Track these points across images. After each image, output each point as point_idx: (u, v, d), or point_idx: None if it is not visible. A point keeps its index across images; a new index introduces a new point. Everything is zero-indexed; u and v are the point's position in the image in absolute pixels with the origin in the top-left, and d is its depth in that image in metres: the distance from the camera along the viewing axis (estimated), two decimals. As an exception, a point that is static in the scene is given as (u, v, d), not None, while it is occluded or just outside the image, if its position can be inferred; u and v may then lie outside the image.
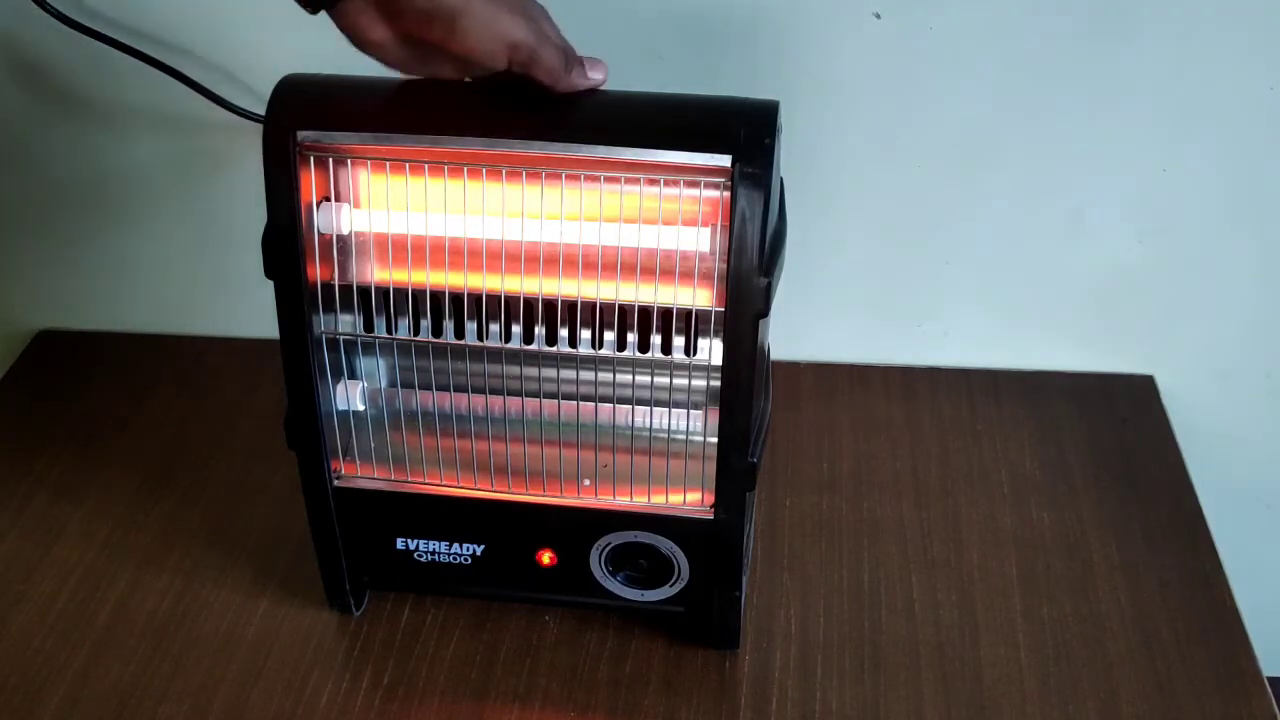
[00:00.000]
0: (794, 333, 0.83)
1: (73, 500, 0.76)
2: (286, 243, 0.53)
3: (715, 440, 0.55)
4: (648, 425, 0.57)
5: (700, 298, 0.53)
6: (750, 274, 0.50)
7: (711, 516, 0.57)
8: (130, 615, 0.68)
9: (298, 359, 0.56)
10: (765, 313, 0.51)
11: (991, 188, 0.73)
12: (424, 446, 0.59)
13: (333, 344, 0.56)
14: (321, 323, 0.55)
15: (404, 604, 0.68)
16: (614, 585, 0.61)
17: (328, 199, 0.53)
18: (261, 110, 0.53)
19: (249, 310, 0.84)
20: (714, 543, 0.58)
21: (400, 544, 0.62)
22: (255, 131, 0.69)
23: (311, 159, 0.52)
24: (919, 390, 0.82)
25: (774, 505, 0.73)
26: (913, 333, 0.83)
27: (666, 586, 0.61)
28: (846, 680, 0.63)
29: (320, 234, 0.53)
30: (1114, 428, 0.79)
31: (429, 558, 0.62)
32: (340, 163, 0.53)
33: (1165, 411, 0.80)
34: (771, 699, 0.62)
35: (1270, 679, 0.63)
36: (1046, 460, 0.76)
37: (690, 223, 0.51)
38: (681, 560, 0.59)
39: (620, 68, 0.69)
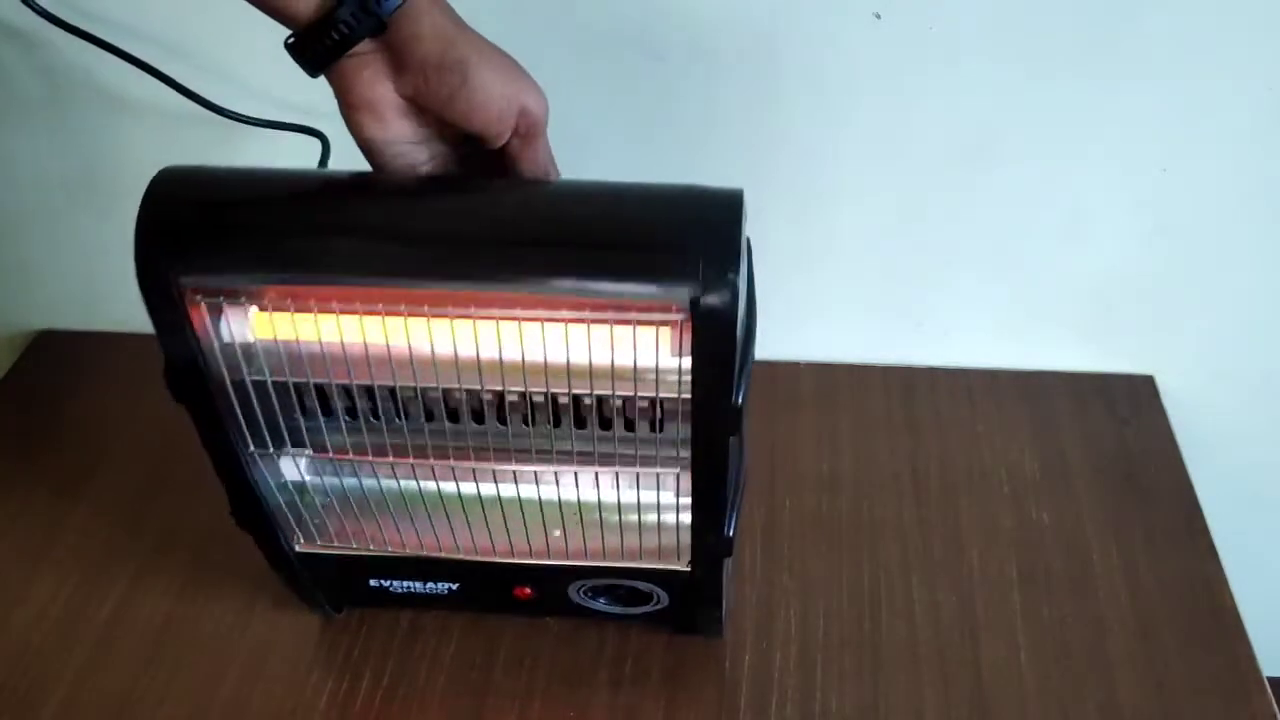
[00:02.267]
0: (794, 333, 0.83)
1: (73, 500, 0.76)
2: (190, 374, 0.49)
3: (688, 509, 0.52)
4: (615, 499, 0.53)
5: (666, 390, 0.47)
6: (718, 401, 0.45)
7: (689, 570, 0.56)
8: (130, 616, 0.68)
9: (228, 470, 0.53)
10: (736, 431, 0.47)
11: (991, 187, 0.72)
12: (379, 520, 0.56)
13: (264, 455, 0.53)
14: (249, 441, 0.51)
15: (404, 604, 0.68)
16: (596, 605, 0.61)
17: (230, 312, 0.48)
18: (256, 112, 0.52)
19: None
20: (692, 589, 0.58)
21: (374, 583, 0.61)
22: (252, 131, 0.69)
23: (201, 302, 0.46)
24: (919, 390, 0.82)
25: (774, 505, 0.73)
26: (913, 333, 0.83)
27: (649, 605, 0.60)
28: (846, 680, 0.63)
29: (226, 357, 0.48)
30: (1114, 428, 0.79)
31: (405, 589, 0.62)
32: (234, 301, 0.47)
33: (1165, 411, 0.80)
34: (771, 699, 0.62)
35: (1270, 679, 0.63)
36: (1046, 460, 0.76)
37: (649, 352, 0.45)
38: (660, 593, 0.59)
39: (619, 69, 0.69)
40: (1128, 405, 0.80)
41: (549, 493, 0.53)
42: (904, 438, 0.78)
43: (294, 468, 0.55)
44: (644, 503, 0.53)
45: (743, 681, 0.63)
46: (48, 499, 0.76)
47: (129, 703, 0.63)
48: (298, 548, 0.58)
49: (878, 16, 0.64)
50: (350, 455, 0.52)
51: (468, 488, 0.54)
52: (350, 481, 0.55)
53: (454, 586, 0.60)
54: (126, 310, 0.89)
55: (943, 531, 0.71)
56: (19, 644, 0.66)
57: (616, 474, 0.51)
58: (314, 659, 0.65)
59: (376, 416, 0.51)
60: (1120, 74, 0.66)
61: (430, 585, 0.61)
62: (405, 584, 0.61)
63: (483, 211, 0.45)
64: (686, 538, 0.53)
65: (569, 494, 0.53)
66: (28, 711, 0.62)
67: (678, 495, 0.53)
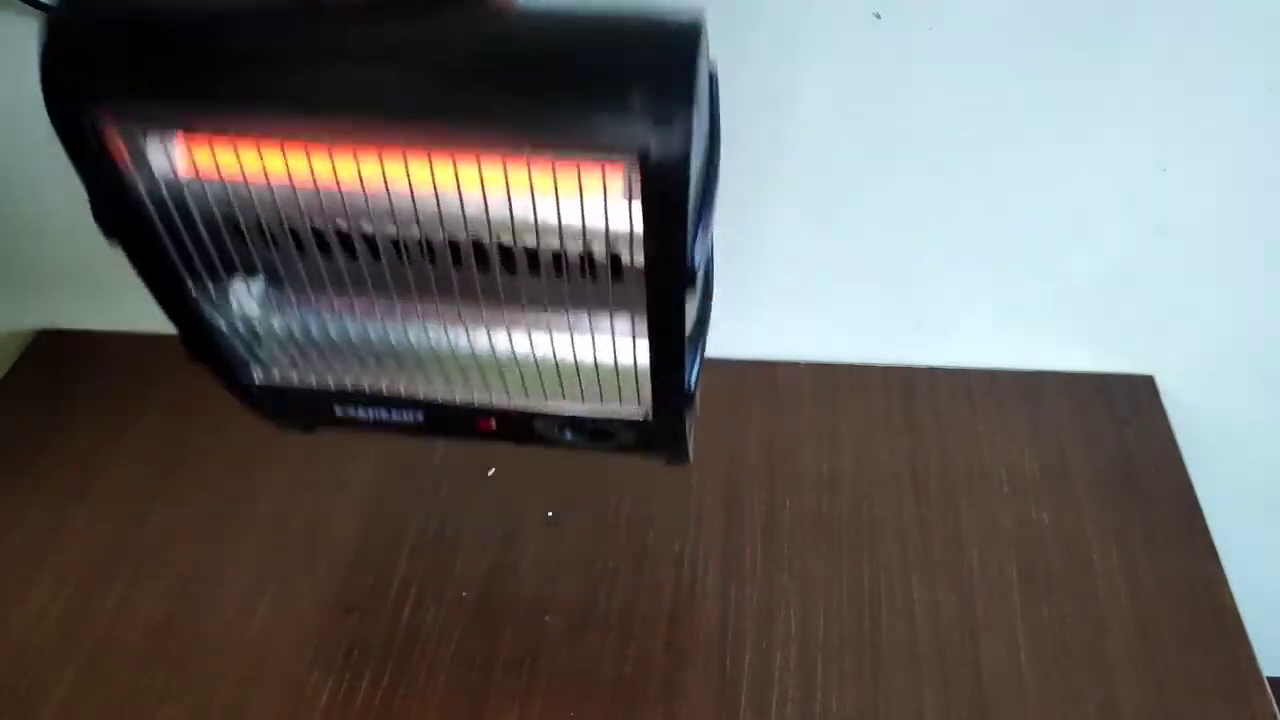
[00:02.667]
0: (794, 333, 0.83)
1: (73, 500, 0.76)
2: (118, 210, 0.44)
3: (646, 358, 0.48)
4: (572, 351, 0.50)
5: (620, 240, 0.44)
6: (671, 259, 0.42)
7: (650, 419, 0.53)
8: (130, 615, 0.68)
9: (172, 307, 0.49)
10: (691, 285, 0.44)
11: (991, 187, 0.72)
12: (336, 360, 0.54)
13: (206, 293, 0.49)
14: (187, 281, 0.47)
15: (404, 604, 0.68)
16: (563, 438, 0.59)
17: (154, 145, 0.43)
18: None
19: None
20: (655, 432, 0.55)
21: (341, 411, 0.58)
22: None
23: (122, 133, 0.42)
24: (919, 390, 0.82)
25: (774, 505, 0.73)
26: (913, 333, 0.83)
27: (613, 441, 0.58)
28: (846, 680, 0.63)
29: (157, 185, 0.44)
30: (1114, 428, 0.79)
31: (373, 418, 0.58)
32: (159, 131, 0.42)
33: (1165, 411, 0.80)
34: (771, 699, 0.62)
35: (1270, 679, 0.63)
36: (1046, 460, 0.76)
37: (597, 198, 0.42)
38: (624, 432, 0.56)
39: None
40: (1128, 405, 0.80)
41: (503, 342, 0.51)
42: (904, 438, 0.78)
43: (244, 303, 0.51)
44: (601, 355, 0.51)
45: (743, 681, 0.63)
46: (48, 499, 0.76)
47: (129, 702, 0.63)
48: (257, 380, 0.55)
49: (878, 16, 0.64)
50: (303, 291, 0.49)
51: (423, 333, 0.52)
52: (305, 319, 0.52)
53: (420, 416, 0.58)
54: (128, 310, 0.90)
55: (943, 531, 0.71)
56: (19, 644, 0.66)
57: (570, 323, 0.49)
58: (314, 659, 0.65)
59: (325, 252, 0.47)
60: (1120, 74, 0.66)
61: (397, 414, 0.58)
62: (372, 412, 0.58)
63: (428, 44, 0.41)
64: (646, 390, 0.51)
65: (524, 346, 0.51)
66: (28, 711, 0.62)
67: (634, 347, 0.49)
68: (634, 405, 0.53)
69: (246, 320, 0.52)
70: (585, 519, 0.73)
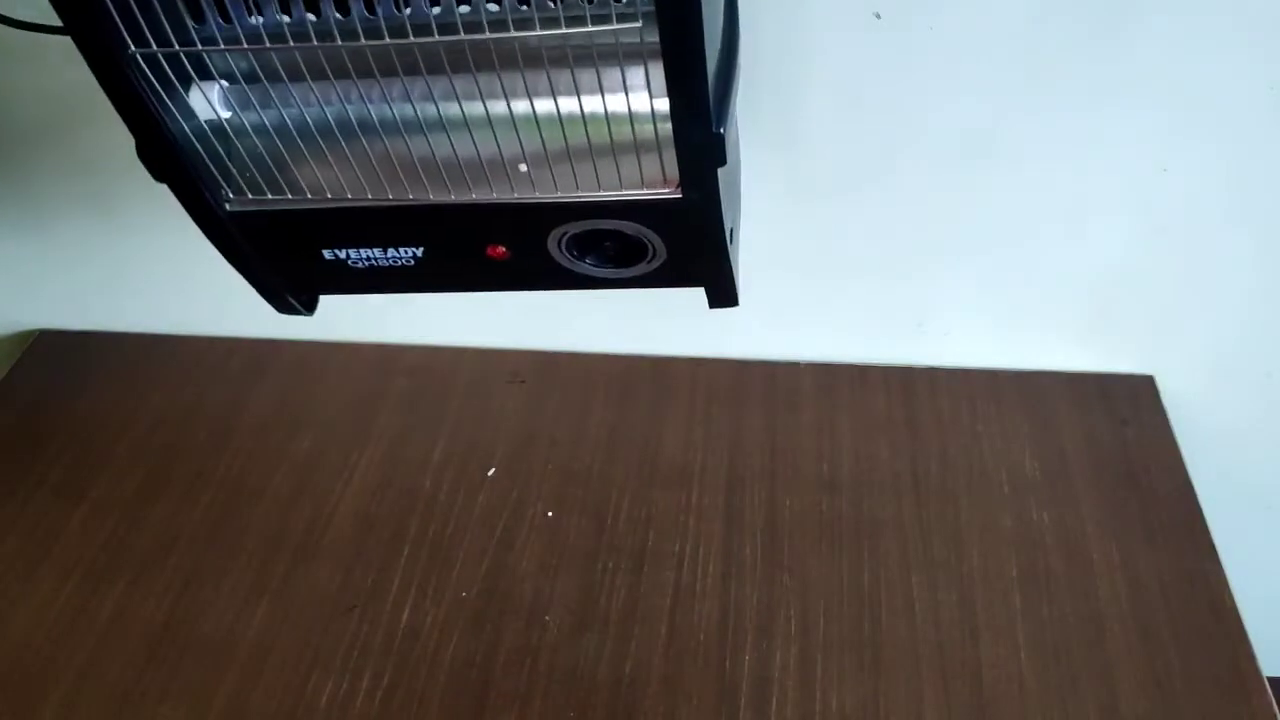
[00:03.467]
0: (794, 333, 0.83)
1: (73, 500, 0.76)
2: None
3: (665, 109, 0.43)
4: (576, 96, 0.44)
5: None
6: None
7: (680, 196, 0.47)
8: (130, 615, 0.68)
9: (117, 88, 0.43)
10: None
11: (991, 187, 0.72)
12: (316, 153, 0.47)
13: (154, 60, 0.42)
14: (128, 39, 0.42)
15: (404, 604, 0.68)
16: (582, 268, 0.52)
17: None
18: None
19: (248, 310, 0.84)
20: (688, 222, 0.49)
21: (328, 254, 0.53)
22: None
23: None
24: (919, 390, 0.82)
25: (774, 505, 0.73)
26: (913, 333, 0.83)
27: (643, 264, 0.52)
28: (846, 680, 0.63)
29: None
30: (1114, 428, 0.79)
31: (365, 263, 0.53)
32: None
33: (1165, 411, 0.80)
34: (771, 699, 0.62)
35: (1270, 679, 0.63)
36: (1046, 460, 0.76)
37: None
38: (654, 239, 0.50)
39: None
40: (1128, 405, 0.80)
41: (501, 108, 0.45)
42: (904, 438, 0.78)
43: (207, 95, 0.46)
44: (614, 109, 0.44)
45: (743, 681, 0.63)
46: (48, 499, 0.76)
47: (129, 702, 0.63)
48: (228, 206, 0.49)
49: (878, 16, 0.64)
50: (266, 62, 0.43)
51: (411, 109, 0.46)
52: (276, 113, 0.46)
53: (419, 253, 0.52)
54: (128, 310, 0.90)
55: (943, 531, 0.71)
56: (20, 643, 0.66)
57: (572, 71, 0.43)
58: (314, 659, 0.65)
59: (288, 11, 0.43)
60: (1120, 74, 0.66)
61: (392, 253, 0.52)
62: (364, 255, 0.53)
63: None
64: (669, 146, 0.45)
65: (524, 106, 0.45)
66: (28, 711, 0.62)
67: (649, 92, 0.44)
68: (656, 173, 0.46)
69: (212, 122, 0.46)
70: (585, 519, 0.73)
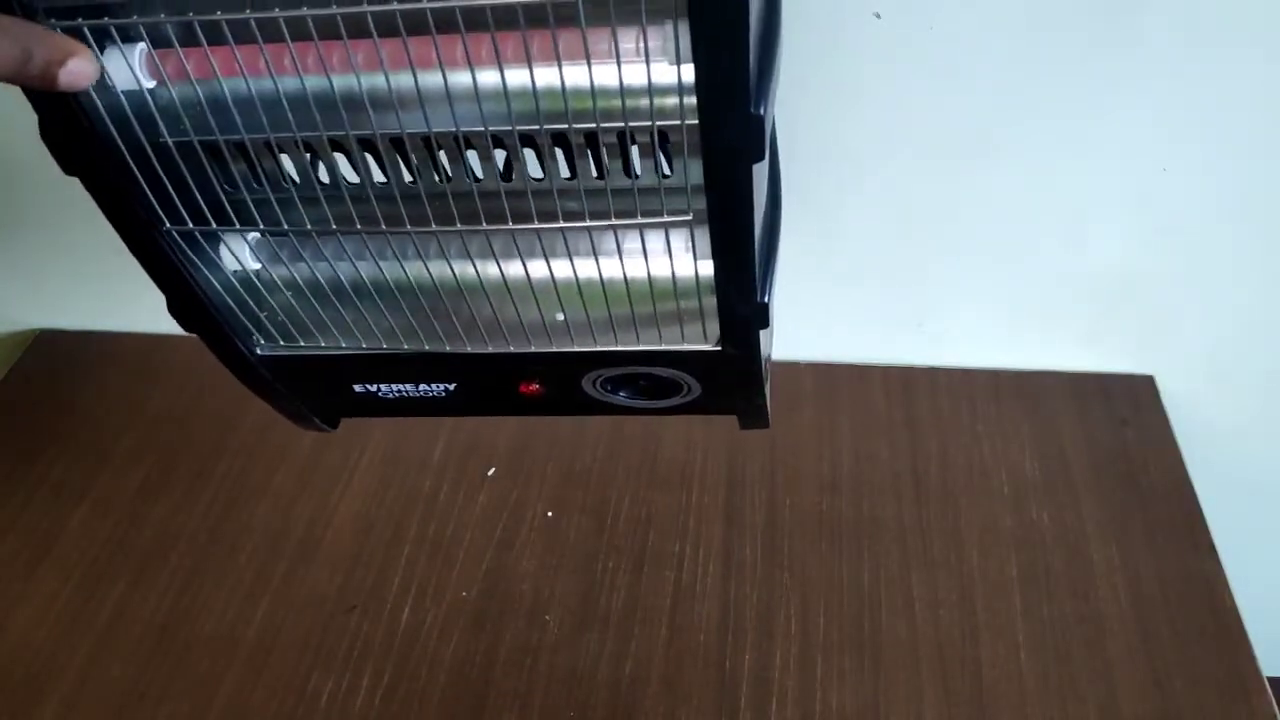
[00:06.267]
0: (794, 333, 0.83)
1: (73, 500, 0.76)
2: (73, 136, 0.39)
3: (710, 275, 0.42)
4: (620, 268, 0.43)
5: (667, 114, 0.37)
6: (731, 111, 0.35)
7: (719, 349, 0.46)
8: (130, 615, 0.68)
9: (149, 256, 0.43)
10: (759, 151, 0.37)
11: (991, 187, 0.72)
12: (349, 307, 0.46)
13: (189, 236, 0.42)
14: (164, 218, 0.41)
15: (404, 604, 0.68)
16: (615, 400, 0.52)
17: (111, 41, 0.37)
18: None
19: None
20: (725, 371, 0.48)
21: (359, 388, 0.52)
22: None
23: (63, 30, 0.36)
24: (919, 390, 0.82)
25: (774, 505, 0.73)
26: (913, 333, 0.83)
27: (676, 398, 0.51)
28: (846, 680, 0.63)
29: (111, 111, 0.38)
30: (1114, 428, 0.79)
31: (396, 394, 0.52)
32: (110, 29, 0.37)
33: (1165, 411, 0.80)
34: (771, 699, 0.62)
35: (1270, 679, 0.63)
36: (1046, 460, 0.76)
37: (637, 62, 0.36)
38: (689, 381, 0.49)
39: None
40: (1128, 405, 0.80)
41: (542, 269, 0.44)
42: (904, 438, 0.78)
43: (238, 253, 0.45)
44: (656, 272, 0.44)
45: (743, 681, 0.63)
46: (48, 499, 0.76)
47: (129, 702, 0.63)
48: (259, 351, 0.48)
49: (878, 16, 0.64)
50: (303, 228, 0.42)
51: (448, 268, 0.45)
52: (309, 267, 0.45)
53: (451, 387, 0.52)
54: (126, 310, 0.90)
55: (943, 531, 0.71)
56: (20, 643, 0.66)
57: (616, 232, 0.42)
58: (314, 659, 0.65)
59: (327, 180, 0.42)
60: (1120, 74, 0.66)
61: (424, 388, 0.52)
62: (395, 388, 0.52)
63: None
64: (710, 307, 0.44)
65: (566, 269, 0.44)
66: (28, 710, 0.62)
67: (694, 254, 0.43)
68: (697, 330, 0.45)
69: (242, 275, 0.45)
70: (585, 519, 0.73)
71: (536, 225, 0.41)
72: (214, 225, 0.42)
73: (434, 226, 0.41)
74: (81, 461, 0.79)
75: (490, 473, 0.76)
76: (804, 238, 0.77)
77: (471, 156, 0.42)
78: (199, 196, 0.41)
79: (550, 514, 0.73)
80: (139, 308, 0.89)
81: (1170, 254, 0.75)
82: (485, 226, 0.41)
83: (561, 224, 0.41)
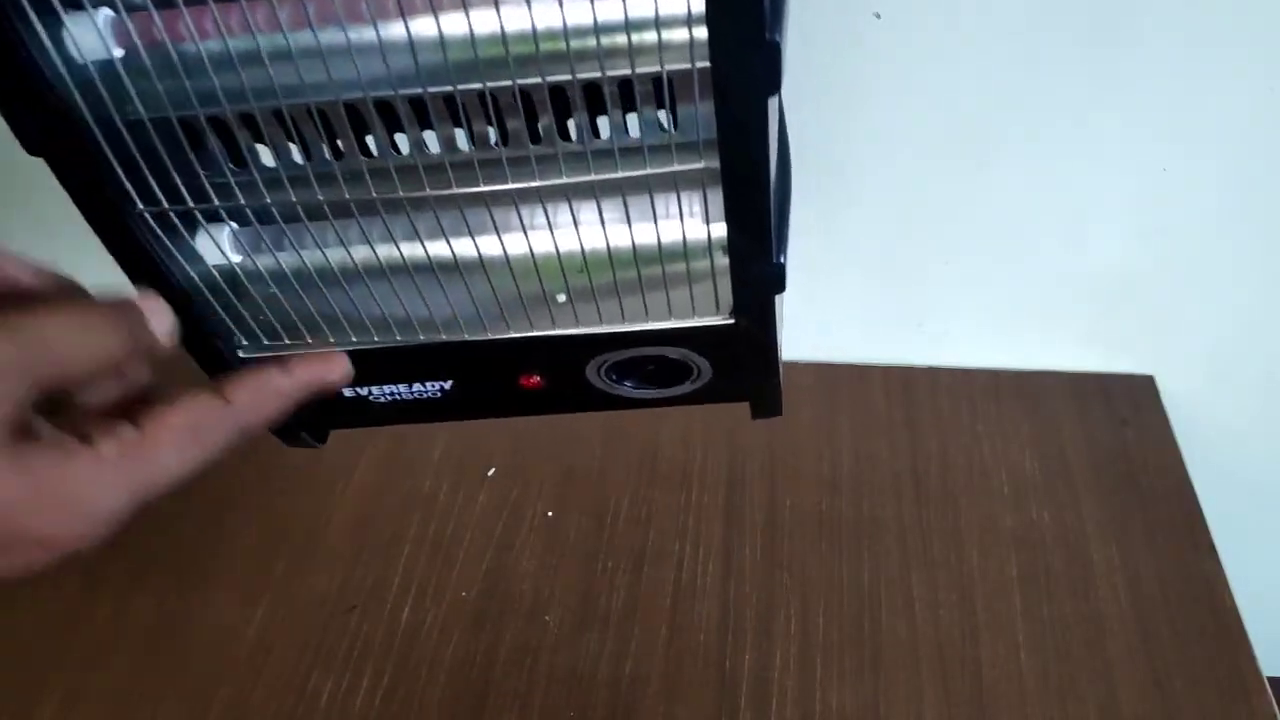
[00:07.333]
0: (794, 333, 0.83)
1: (73, 500, 0.76)
2: (34, 113, 0.36)
3: (723, 236, 0.40)
4: (626, 229, 0.41)
5: (672, 57, 0.35)
6: (744, 46, 0.34)
7: (732, 322, 0.44)
8: (130, 615, 0.68)
9: (121, 245, 0.41)
10: (774, 85, 0.35)
11: (991, 187, 0.72)
12: (337, 296, 0.43)
13: (163, 216, 0.39)
14: (138, 199, 0.38)
15: (404, 604, 0.68)
16: (621, 391, 0.50)
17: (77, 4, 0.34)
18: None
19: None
20: (739, 347, 0.46)
21: (348, 392, 0.49)
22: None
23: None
24: (919, 390, 0.82)
25: (774, 505, 0.73)
26: (913, 333, 0.83)
27: (686, 383, 0.49)
28: (846, 680, 0.63)
29: (78, 82, 0.35)
30: (1114, 428, 0.79)
31: (388, 399, 0.50)
32: None
33: (1165, 411, 0.80)
34: (771, 699, 0.62)
35: (1270, 679, 0.63)
36: (1046, 460, 0.76)
37: None
38: (700, 362, 0.47)
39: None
40: (1128, 405, 0.80)
41: (544, 242, 0.42)
42: (904, 438, 0.78)
43: (218, 239, 0.42)
44: (666, 237, 0.41)
45: (743, 681, 0.63)
46: (48, 499, 0.76)
47: (129, 702, 0.63)
48: (241, 354, 0.45)
49: (878, 16, 0.64)
50: (288, 200, 0.39)
51: (445, 242, 0.42)
52: (294, 257, 0.42)
53: (446, 386, 0.49)
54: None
55: (943, 531, 0.71)
56: (20, 643, 0.66)
57: (624, 192, 0.40)
58: (314, 659, 0.65)
59: (311, 155, 0.39)
60: (1120, 73, 0.66)
61: (418, 388, 0.49)
62: (388, 390, 0.49)
63: None
64: (724, 275, 0.42)
65: (569, 241, 0.42)
66: (28, 710, 0.62)
67: (706, 216, 0.41)
68: (709, 302, 0.43)
69: (223, 267, 0.43)
70: (585, 519, 0.73)
71: (539, 183, 0.38)
72: (190, 204, 0.39)
73: (428, 190, 0.38)
74: (81, 461, 0.79)
75: (490, 473, 0.76)
76: (804, 237, 0.77)
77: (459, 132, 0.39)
78: (176, 177, 0.38)
79: (550, 514, 0.73)
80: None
81: (1170, 254, 0.75)
82: (483, 187, 0.38)
83: (565, 179, 0.38)
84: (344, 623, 0.67)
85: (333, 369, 0.41)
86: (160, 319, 0.39)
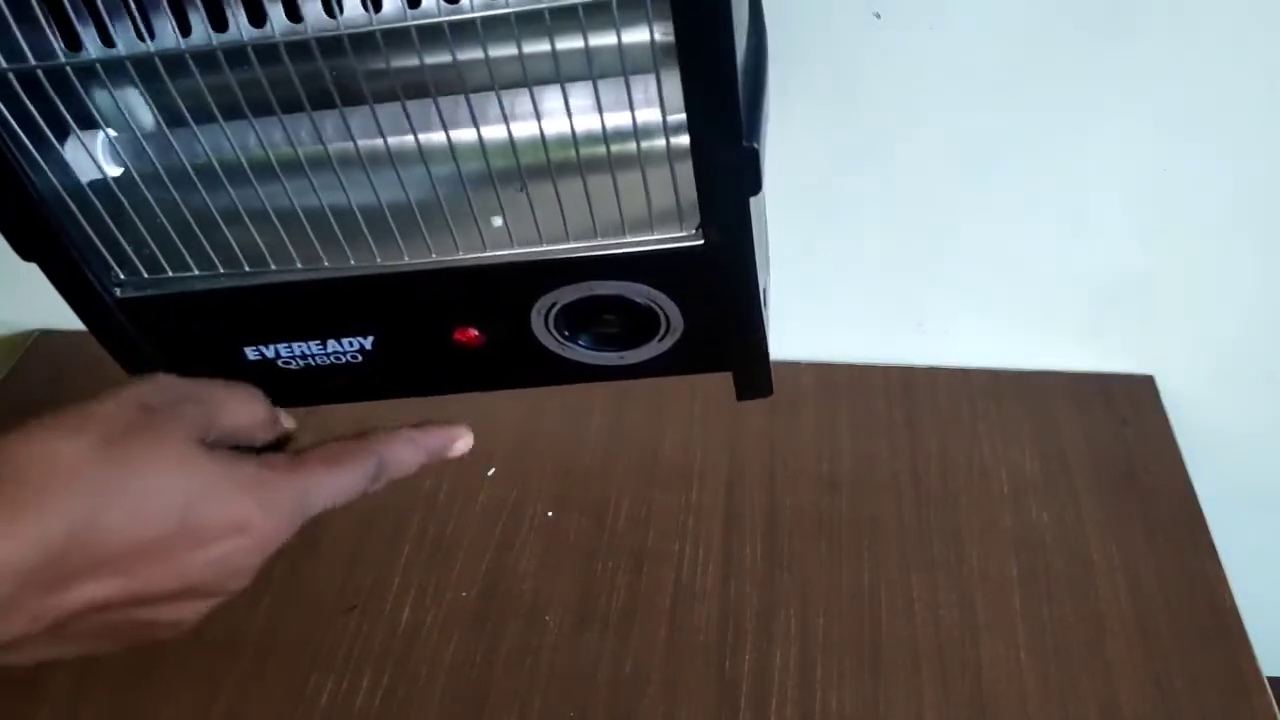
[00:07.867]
0: (794, 332, 0.83)
1: (73, 500, 0.76)
2: None
3: (683, 119, 0.32)
4: (565, 115, 0.33)
5: None
6: None
7: (700, 242, 0.36)
8: (130, 615, 0.68)
9: None
10: None
11: (991, 187, 0.72)
12: (230, 213, 0.36)
13: (30, 81, 0.32)
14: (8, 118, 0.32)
15: (404, 604, 0.68)
16: (574, 352, 0.42)
17: None
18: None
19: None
20: (711, 278, 0.38)
21: (252, 353, 0.42)
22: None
23: None
24: (919, 390, 0.82)
25: (774, 505, 0.73)
26: (913, 333, 0.83)
27: (654, 342, 0.41)
28: (846, 680, 0.63)
29: None
30: (1114, 428, 0.79)
31: (300, 363, 0.42)
32: None
33: (1165, 411, 0.80)
34: (771, 699, 0.62)
35: (1270, 679, 0.63)
36: (1046, 460, 0.76)
37: None
38: (668, 305, 0.39)
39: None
40: (1128, 405, 0.80)
41: (468, 136, 0.34)
42: (904, 437, 0.78)
43: (89, 154, 0.36)
44: (613, 128, 0.33)
45: (743, 681, 0.63)
46: (48, 499, 0.76)
47: (128, 702, 0.63)
48: (119, 291, 0.39)
49: (878, 16, 0.64)
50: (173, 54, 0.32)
51: (352, 144, 0.34)
52: (179, 164, 0.35)
53: (368, 344, 0.41)
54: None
55: (943, 531, 0.71)
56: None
57: (562, 84, 0.32)
58: (314, 659, 0.65)
59: (186, 29, 0.32)
60: (1121, 73, 0.66)
61: (334, 346, 0.41)
62: (298, 351, 0.41)
63: None
64: (685, 169, 0.34)
65: (498, 133, 0.34)
66: (29, 710, 0.62)
67: (662, 104, 0.33)
68: (670, 212, 0.35)
69: (98, 185, 0.36)
70: (585, 519, 0.73)
71: (469, 55, 0.31)
72: (62, 59, 0.31)
73: (320, 60, 0.31)
74: (81, 461, 0.79)
75: (490, 473, 0.76)
76: (803, 237, 0.77)
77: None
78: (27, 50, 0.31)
79: (550, 514, 0.73)
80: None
81: (1170, 254, 0.75)
82: (403, 63, 0.30)
83: (490, 53, 0.31)
84: (344, 623, 0.67)
85: (456, 436, 0.41)
86: (462, 444, 0.41)
